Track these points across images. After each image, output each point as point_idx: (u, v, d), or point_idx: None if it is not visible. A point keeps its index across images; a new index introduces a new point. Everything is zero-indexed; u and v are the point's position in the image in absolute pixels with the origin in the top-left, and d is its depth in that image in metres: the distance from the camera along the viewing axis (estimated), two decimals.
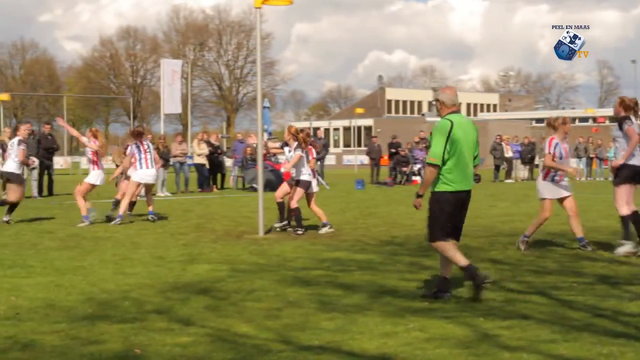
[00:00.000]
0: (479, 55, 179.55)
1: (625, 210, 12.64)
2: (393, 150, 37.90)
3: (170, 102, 53.11)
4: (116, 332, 7.58)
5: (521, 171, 40.84)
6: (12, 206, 18.25)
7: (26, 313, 8.44)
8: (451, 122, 9.16)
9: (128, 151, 18.90)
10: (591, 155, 43.10)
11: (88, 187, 18.38)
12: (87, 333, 7.53)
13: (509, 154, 40.04)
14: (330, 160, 59.45)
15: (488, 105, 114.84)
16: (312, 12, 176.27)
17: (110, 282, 10.27)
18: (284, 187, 16.55)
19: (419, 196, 9.30)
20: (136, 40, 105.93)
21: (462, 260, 9.16)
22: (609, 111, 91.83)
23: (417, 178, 37.36)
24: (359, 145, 73.40)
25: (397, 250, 13.38)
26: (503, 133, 45.37)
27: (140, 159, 18.40)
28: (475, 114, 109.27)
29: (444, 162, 9.09)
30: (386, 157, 39.37)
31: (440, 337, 7.30)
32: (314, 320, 8.08)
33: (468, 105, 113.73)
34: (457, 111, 9.40)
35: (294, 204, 15.81)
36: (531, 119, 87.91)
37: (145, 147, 18.55)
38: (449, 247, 9.21)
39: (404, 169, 37.33)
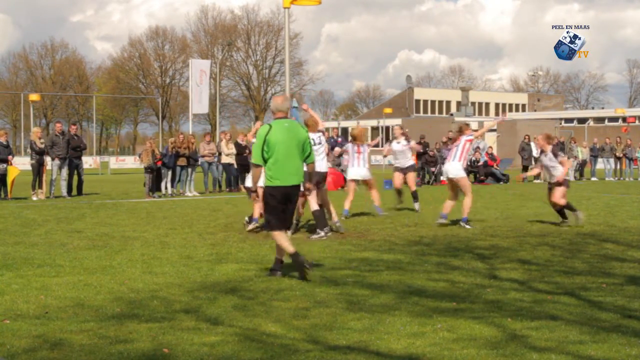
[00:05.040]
0: (509, 54, 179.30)
1: None
2: (421, 151, 37.80)
3: (199, 102, 53.34)
4: (144, 331, 7.61)
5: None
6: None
7: (55, 312, 8.48)
8: (270, 126, 10.66)
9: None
10: (619, 155, 42.77)
11: None
12: (115, 332, 7.57)
13: (539, 154, 39.77)
14: None
15: (517, 105, 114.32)
16: (342, 12, 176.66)
17: (139, 282, 10.31)
18: None
19: (252, 191, 11.19)
20: (165, 40, 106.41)
21: (289, 248, 10.54)
22: (639, 111, 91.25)
23: (445, 178, 37.24)
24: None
25: (425, 250, 13.36)
26: (532, 133, 45.13)
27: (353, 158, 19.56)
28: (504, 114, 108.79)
29: (266, 161, 10.58)
30: (414, 157, 39.26)
31: (468, 338, 7.29)
32: (341, 320, 8.08)
33: (497, 105, 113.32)
34: (283, 117, 10.84)
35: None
36: (560, 119, 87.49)
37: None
38: (280, 237, 10.66)
39: (432, 169, 37.23)
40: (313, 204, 15.29)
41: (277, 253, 10.95)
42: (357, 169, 19.53)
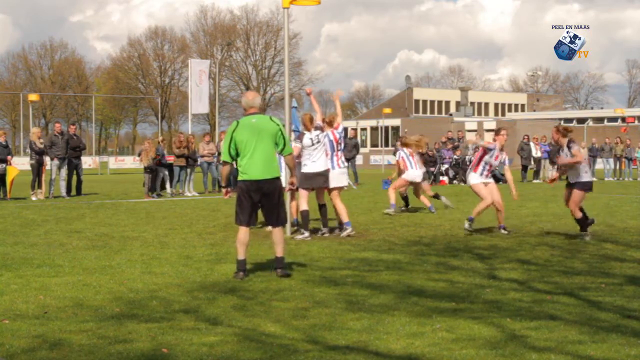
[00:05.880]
0: (509, 54, 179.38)
1: None
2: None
3: (198, 102, 53.30)
4: (144, 331, 7.61)
5: (549, 171, 40.58)
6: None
7: (54, 312, 8.48)
8: (237, 123, 10.86)
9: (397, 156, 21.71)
10: (619, 155, 42.79)
11: None
12: (114, 332, 7.56)
13: (538, 154, 39.80)
14: (357, 160, 59.52)
15: (516, 105, 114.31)
16: (342, 12, 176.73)
17: (138, 282, 10.31)
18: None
19: (223, 187, 11.50)
20: (164, 40, 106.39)
21: (241, 254, 10.76)
22: (638, 111, 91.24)
23: (445, 178, 37.26)
24: (386, 145, 73.41)
25: (424, 250, 13.35)
26: (531, 133, 45.16)
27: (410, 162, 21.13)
28: (503, 114, 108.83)
29: (235, 157, 10.80)
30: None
31: (467, 338, 7.28)
32: (341, 320, 8.08)
33: (496, 105, 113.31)
34: (254, 112, 10.91)
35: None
36: (559, 119, 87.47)
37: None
38: (241, 236, 10.85)
39: (432, 169, 37.22)
40: (303, 203, 15.17)
41: (277, 252, 10.91)
42: (414, 170, 21.07)
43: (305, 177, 15.07)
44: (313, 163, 15.06)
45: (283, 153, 10.94)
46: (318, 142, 15.12)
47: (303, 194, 15.14)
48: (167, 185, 28.98)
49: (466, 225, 15.89)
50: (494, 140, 16.38)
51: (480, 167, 16.20)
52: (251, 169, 10.69)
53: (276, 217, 10.94)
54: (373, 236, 15.37)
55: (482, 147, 16.22)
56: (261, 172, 10.69)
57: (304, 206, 15.10)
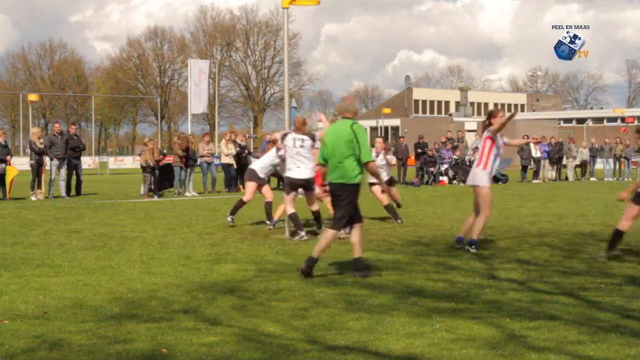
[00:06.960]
0: (508, 54, 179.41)
1: None
2: (420, 151, 37.83)
3: (198, 102, 53.34)
4: (143, 331, 7.61)
5: (549, 171, 40.60)
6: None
7: (54, 312, 8.48)
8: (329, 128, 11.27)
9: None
10: (618, 155, 42.80)
11: None
12: (114, 332, 7.56)
13: (537, 154, 39.80)
14: None
15: (515, 105, 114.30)
16: (341, 12, 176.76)
17: (138, 282, 10.31)
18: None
19: (322, 185, 11.70)
20: (164, 40, 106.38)
21: (355, 249, 10.99)
22: (638, 111, 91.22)
23: (444, 178, 37.25)
24: None
25: (424, 250, 13.35)
26: (531, 133, 45.15)
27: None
28: None
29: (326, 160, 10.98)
30: (413, 157, 39.28)
31: (467, 338, 7.29)
32: (340, 320, 8.08)
33: (495, 105, 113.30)
34: (346, 117, 10.98)
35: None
36: (559, 119, 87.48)
37: None
38: (351, 234, 11.29)
39: (431, 169, 37.24)
40: (289, 207, 15.09)
41: (313, 252, 10.87)
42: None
43: (289, 181, 15.01)
44: (297, 169, 14.90)
45: (362, 160, 10.78)
46: (302, 146, 14.87)
47: (287, 198, 15.06)
48: (187, 184, 29.11)
49: (472, 250, 13.07)
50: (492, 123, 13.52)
51: (490, 162, 13.34)
52: (329, 171, 10.95)
53: (335, 218, 11.12)
54: (372, 236, 15.37)
55: (490, 138, 13.34)
56: (331, 175, 10.92)
57: (290, 210, 15.08)
